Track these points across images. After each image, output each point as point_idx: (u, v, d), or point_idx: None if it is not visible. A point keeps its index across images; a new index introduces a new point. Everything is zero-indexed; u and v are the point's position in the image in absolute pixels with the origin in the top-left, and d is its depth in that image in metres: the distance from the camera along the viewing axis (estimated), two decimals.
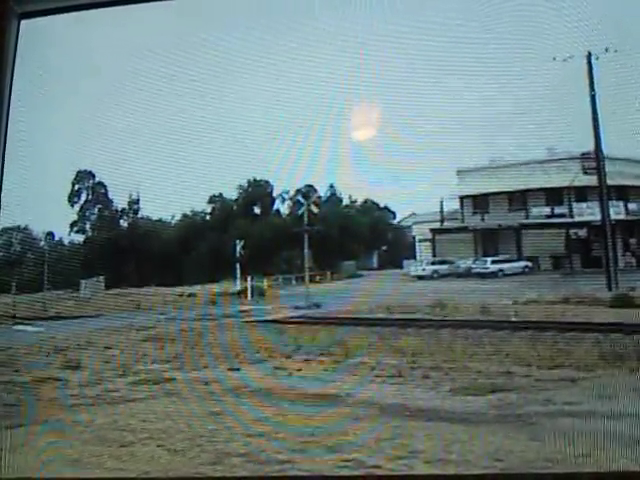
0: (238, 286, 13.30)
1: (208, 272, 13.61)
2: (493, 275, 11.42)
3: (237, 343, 10.98)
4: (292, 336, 10.97)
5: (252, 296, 13.09)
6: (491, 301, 10.04)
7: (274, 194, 14.12)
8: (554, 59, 10.27)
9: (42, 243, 15.43)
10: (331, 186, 13.34)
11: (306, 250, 12.70)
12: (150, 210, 14.95)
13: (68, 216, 15.09)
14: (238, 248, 13.42)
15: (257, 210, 14.35)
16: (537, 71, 9.36)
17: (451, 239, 12.32)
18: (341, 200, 13.65)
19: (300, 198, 13.33)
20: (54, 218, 14.53)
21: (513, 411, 6.78)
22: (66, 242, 16.07)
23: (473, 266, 11.75)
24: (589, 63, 11.01)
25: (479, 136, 9.97)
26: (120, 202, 15.39)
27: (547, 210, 11.48)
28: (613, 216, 10.59)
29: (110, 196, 15.17)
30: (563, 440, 5.72)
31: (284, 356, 10.18)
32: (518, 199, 11.73)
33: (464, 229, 12.17)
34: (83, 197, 15.19)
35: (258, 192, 14.44)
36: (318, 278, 13.23)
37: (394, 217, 13.56)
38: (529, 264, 11.33)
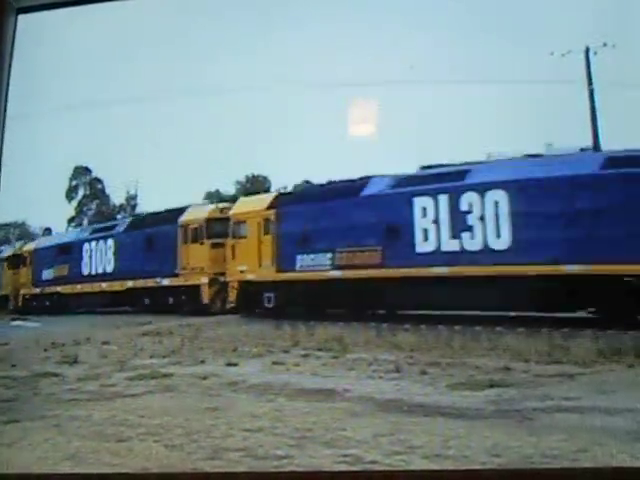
0: None
1: None
2: None
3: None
4: (290, 332, 11.00)
5: None
6: None
7: (272, 190, 14.12)
8: (552, 54, 10.26)
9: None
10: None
11: None
12: (148, 205, 14.95)
13: (66, 211, 15.10)
14: None
15: None
16: (536, 66, 9.36)
17: None
18: None
19: None
20: (52, 214, 14.52)
21: (511, 406, 6.80)
22: None
23: None
24: (587, 58, 10.99)
25: (477, 131, 9.98)
26: (118, 197, 15.39)
27: None
28: None
29: (107, 192, 15.16)
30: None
31: (282, 351, 10.21)
32: None
33: None
34: (81, 193, 15.17)
35: (256, 188, 14.44)
36: None
37: None
38: None
